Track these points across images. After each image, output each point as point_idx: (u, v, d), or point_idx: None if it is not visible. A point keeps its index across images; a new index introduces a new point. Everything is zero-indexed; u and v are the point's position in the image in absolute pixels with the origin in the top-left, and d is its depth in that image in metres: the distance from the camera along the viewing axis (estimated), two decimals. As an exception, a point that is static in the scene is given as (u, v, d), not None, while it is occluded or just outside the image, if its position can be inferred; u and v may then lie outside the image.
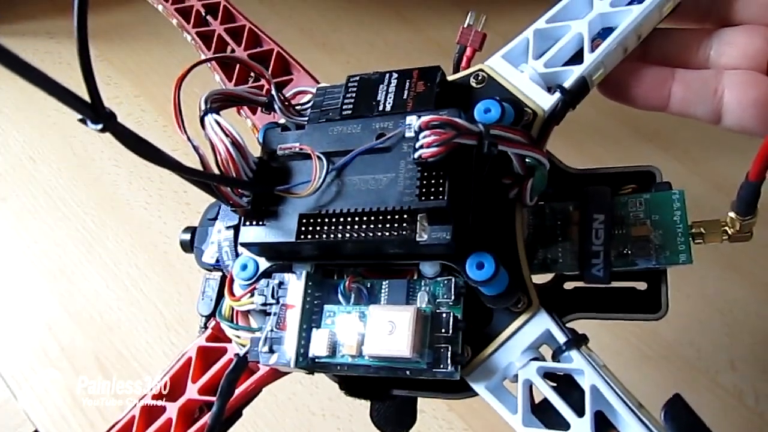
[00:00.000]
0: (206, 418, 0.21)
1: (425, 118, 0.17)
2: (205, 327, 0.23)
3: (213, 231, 0.23)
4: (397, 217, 0.18)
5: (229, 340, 0.22)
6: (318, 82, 0.25)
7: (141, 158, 0.15)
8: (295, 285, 0.20)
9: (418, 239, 0.18)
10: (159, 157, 0.16)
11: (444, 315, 0.18)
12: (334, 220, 0.19)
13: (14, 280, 0.43)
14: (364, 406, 0.38)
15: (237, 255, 0.22)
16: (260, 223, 0.20)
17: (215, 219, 0.24)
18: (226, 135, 0.20)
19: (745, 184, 0.19)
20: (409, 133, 0.18)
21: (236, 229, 0.22)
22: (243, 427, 0.37)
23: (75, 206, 0.46)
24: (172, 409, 0.22)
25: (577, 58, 0.20)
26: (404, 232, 0.18)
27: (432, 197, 0.18)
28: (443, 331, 0.18)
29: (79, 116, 0.14)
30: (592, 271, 0.19)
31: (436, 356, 0.18)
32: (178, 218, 0.45)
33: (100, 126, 0.14)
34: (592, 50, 0.20)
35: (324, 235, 0.19)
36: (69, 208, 0.46)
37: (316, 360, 0.20)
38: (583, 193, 0.20)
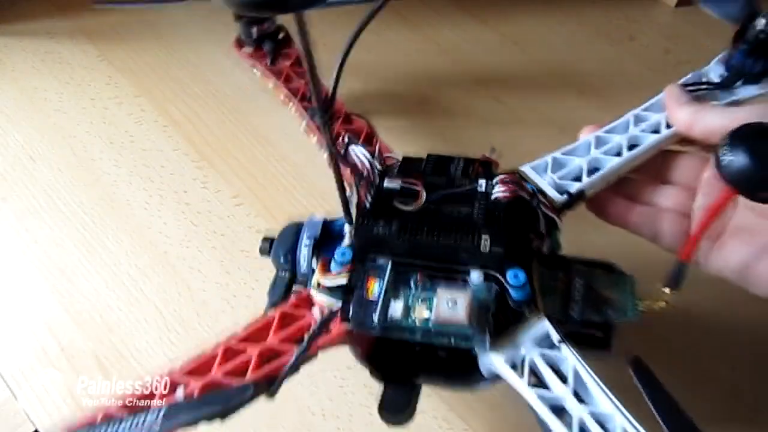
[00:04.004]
0: (277, 363, 0.28)
1: (502, 176, 0.30)
2: (270, 310, 0.31)
3: (302, 238, 0.31)
4: (470, 232, 0.28)
5: (304, 314, 0.29)
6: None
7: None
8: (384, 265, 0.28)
9: (482, 250, 0.27)
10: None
11: (486, 303, 0.26)
12: (426, 228, 0.28)
13: (14, 280, 0.43)
14: (364, 406, 0.38)
15: (311, 258, 0.31)
16: (376, 221, 0.29)
17: (294, 234, 0.32)
18: (366, 158, 0.30)
19: (676, 263, 0.28)
20: (480, 189, 0.30)
21: (316, 239, 0.31)
22: (243, 427, 0.37)
23: (75, 206, 0.46)
24: (252, 351, 0.28)
25: (577, 179, 0.32)
26: (473, 242, 0.27)
27: (494, 225, 0.28)
28: (485, 313, 0.26)
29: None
30: (570, 315, 0.28)
31: (479, 327, 0.26)
32: (178, 218, 0.45)
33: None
34: (588, 176, 0.31)
35: (420, 235, 0.28)
36: (69, 208, 0.46)
37: (392, 319, 0.26)
38: (570, 267, 0.30)
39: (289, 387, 0.38)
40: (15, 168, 0.48)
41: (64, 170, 0.48)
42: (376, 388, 0.38)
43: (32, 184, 0.47)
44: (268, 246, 0.32)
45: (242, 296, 0.41)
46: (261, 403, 0.38)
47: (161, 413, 0.26)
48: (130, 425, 0.26)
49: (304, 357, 0.27)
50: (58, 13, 0.59)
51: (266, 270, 0.32)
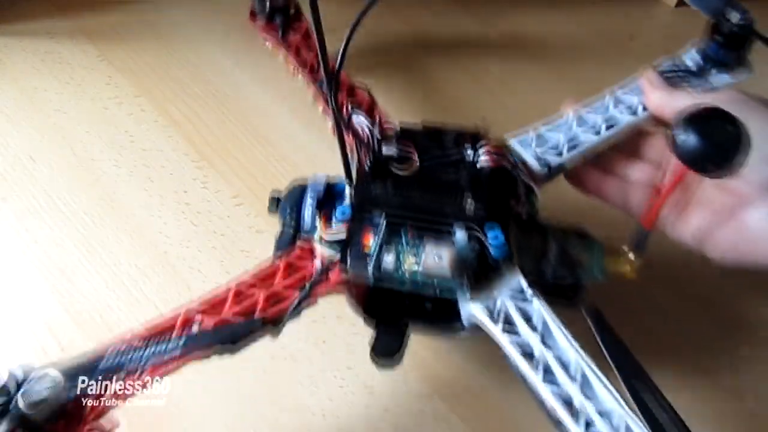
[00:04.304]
0: (282, 306, 0.31)
1: (488, 147, 0.33)
2: (276, 258, 0.34)
3: (306, 198, 0.35)
4: (456, 194, 0.31)
5: (306, 264, 0.33)
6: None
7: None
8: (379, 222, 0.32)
9: (466, 211, 0.31)
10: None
11: (468, 259, 0.30)
12: (418, 190, 0.32)
13: (14, 280, 0.43)
14: (363, 406, 0.38)
15: (316, 214, 0.34)
16: (374, 183, 0.32)
17: (300, 193, 0.35)
18: (367, 126, 0.34)
19: (638, 229, 0.31)
20: (467, 157, 0.33)
21: (319, 198, 0.35)
22: (243, 427, 0.37)
23: (75, 206, 0.46)
24: (259, 294, 0.31)
25: (558, 153, 0.35)
26: (458, 203, 0.31)
27: (478, 190, 0.31)
28: (467, 266, 0.30)
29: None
30: (544, 273, 0.32)
31: (461, 278, 0.29)
32: (178, 218, 0.45)
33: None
34: (568, 152, 0.35)
35: (412, 195, 0.31)
36: (69, 208, 0.46)
37: (384, 270, 0.30)
38: (546, 231, 0.33)
39: (289, 387, 0.38)
40: (15, 168, 0.48)
41: (64, 170, 0.48)
42: (376, 388, 0.38)
43: (32, 184, 0.47)
44: (276, 203, 0.36)
45: (242, 296, 0.41)
46: (261, 402, 0.38)
47: (182, 341, 0.29)
48: (154, 351, 0.29)
49: (306, 302, 0.31)
50: (58, 13, 0.59)
51: (266, 270, 0.32)
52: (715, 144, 0.25)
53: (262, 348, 0.39)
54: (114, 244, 0.44)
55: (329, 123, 0.42)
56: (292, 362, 0.39)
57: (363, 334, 0.40)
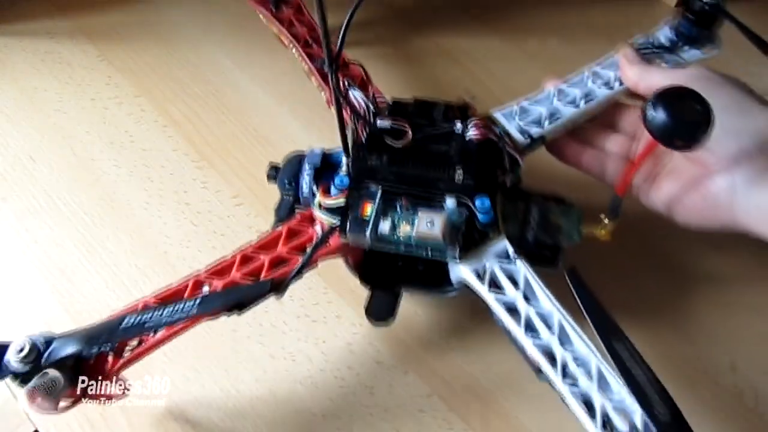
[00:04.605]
0: (285, 268, 0.33)
1: (476, 121, 0.35)
2: (277, 226, 0.36)
3: (304, 167, 0.37)
4: (447, 166, 0.33)
5: (307, 229, 0.35)
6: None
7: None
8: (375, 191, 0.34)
9: (456, 181, 0.33)
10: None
11: (457, 224, 0.32)
12: (411, 161, 0.34)
13: (14, 280, 0.43)
14: (363, 406, 0.38)
15: (314, 184, 0.36)
16: (370, 155, 0.34)
17: (297, 162, 0.37)
18: (363, 101, 0.35)
19: (613, 196, 0.33)
20: (457, 130, 0.35)
21: (317, 168, 0.37)
22: (243, 427, 0.37)
23: (75, 206, 0.46)
24: (264, 258, 0.34)
25: (539, 125, 0.37)
26: (448, 174, 0.33)
27: (467, 161, 0.33)
28: (456, 232, 0.32)
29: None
30: (526, 237, 0.35)
31: (451, 243, 0.32)
32: (178, 218, 0.45)
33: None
34: (549, 123, 0.37)
35: (406, 167, 0.34)
36: (69, 208, 0.46)
37: (381, 235, 0.32)
38: (528, 198, 0.36)
39: (289, 387, 0.38)
40: (15, 168, 0.48)
41: (64, 170, 0.48)
42: (377, 388, 0.38)
43: (32, 184, 0.47)
44: (274, 173, 0.38)
45: (242, 296, 0.41)
46: (261, 402, 0.38)
47: (197, 302, 0.31)
48: (172, 311, 0.30)
49: (308, 265, 0.33)
50: (58, 13, 0.58)
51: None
52: (684, 121, 0.28)
53: (262, 348, 0.40)
54: (114, 244, 0.44)
55: (323, 96, 0.44)
56: (292, 362, 0.39)
57: (363, 333, 0.40)
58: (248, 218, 0.45)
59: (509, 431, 0.37)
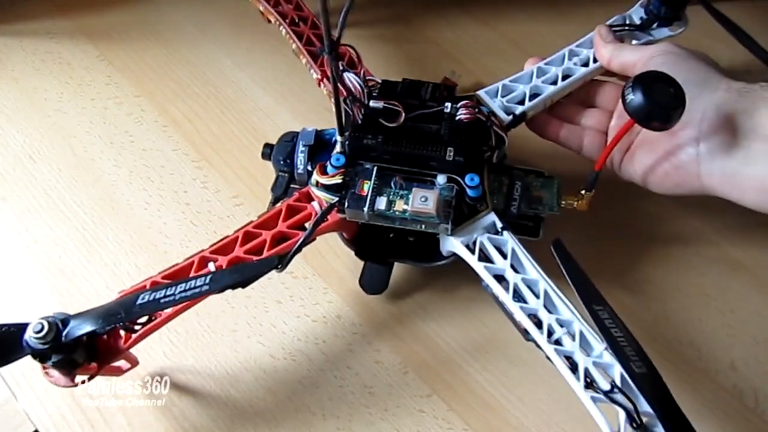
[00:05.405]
0: (286, 244, 0.34)
1: (465, 102, 0.37)
2: (273, 205, 0.38)
3: (298, 145, 0.39)
4: (439, 145, 0.35)
5: (305, 206, 0.36)
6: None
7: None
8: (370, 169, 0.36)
9: (447, 159, 0.35)
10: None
11: (449, 200, 0.34)
12: (404, 141, 0.35)
13: (14, 280, 0.43)
14: (363, 406, 0.38)
15: (308, 162, 0.38)
16: (365, 134, 0.35)
17: (291, 141, 0.39)
18: (358, 83, 0.35)
19: (591, 171, 0.36)
20: (447, 111, 0.37)
21: (311, 147, 0.39)
22: (243, 427, 0.37)
23: (75, 206, 0.46)
24: (266, 235, 0.35)
25: (521, 103, 0.39)
26: (440, 153, 0.35)
27: (457, 141, 0.35)
28: (448, 207, 0.34)
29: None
30: (511, 209, 0.37)
31: (443, 217, 0.34)
32: (178, 218, 0.45)
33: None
34: (530, 101, 0.39)
35: (400, 147, 0.35)
36: (69, 208, 0.46)
37: (378, 211, 0.34)
38: (512, 173, 0.38)
39: (288, 386, 0.38)
40: (15, 168, 0.48)
41: (64, 170, 0.48)
42: (376, 388, 0.38)
43: (32, 184, 0.47)
44: (269, 150, 0.40)
45: (242, 296, 0.41)
46: (261, 402, 0.38)
47: (208, 278, 0.31)
48: (185, 287, 0.31)
49: (308, 240, 0.34)
50: (58, 13, 0.58)
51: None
52: (660, 105, 0.31)
53: (261, 347, 0.40)
54: (114, 244, 0.44)
55: (313, 75, 0.45)
56: (292, 362, 0.39)
57: (363, 333, 0.40)
58: (248, 218, 0.45)
59: (509, 431, 0.37)
